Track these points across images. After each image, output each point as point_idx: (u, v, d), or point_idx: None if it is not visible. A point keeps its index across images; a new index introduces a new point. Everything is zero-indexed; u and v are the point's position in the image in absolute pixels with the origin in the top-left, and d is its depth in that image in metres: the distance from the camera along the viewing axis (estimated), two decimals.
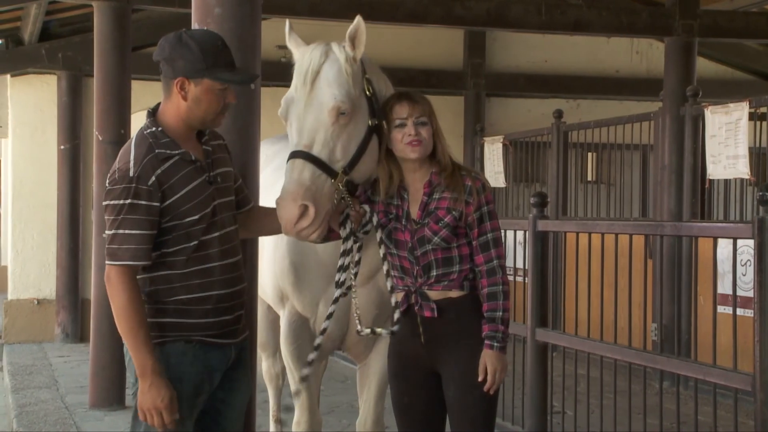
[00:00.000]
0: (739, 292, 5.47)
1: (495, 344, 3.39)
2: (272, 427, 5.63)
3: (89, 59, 8.32)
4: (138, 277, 3.19)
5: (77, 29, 10.73)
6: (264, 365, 5.64)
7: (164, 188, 3.12)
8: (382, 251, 3.54)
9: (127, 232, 3.09)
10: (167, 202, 3.13)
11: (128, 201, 3.08)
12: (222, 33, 3.80)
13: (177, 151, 3.17)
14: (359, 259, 3.55)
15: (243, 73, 3.35)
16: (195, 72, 3.15)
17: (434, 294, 3.44)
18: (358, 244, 3.53)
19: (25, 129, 11.10)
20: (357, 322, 3.61)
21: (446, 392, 3.48)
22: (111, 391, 7.29)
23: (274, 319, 5.56)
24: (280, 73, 11.70)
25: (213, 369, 3.27)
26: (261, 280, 4.41)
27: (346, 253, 3.52)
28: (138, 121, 4.13)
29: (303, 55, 3.48)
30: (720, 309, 5.54)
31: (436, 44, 11.68)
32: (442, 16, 8.79)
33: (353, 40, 3.48)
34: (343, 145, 3.41)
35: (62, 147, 10.67)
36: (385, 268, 3.54)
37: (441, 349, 3.46)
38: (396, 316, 3.52)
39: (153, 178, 3.11)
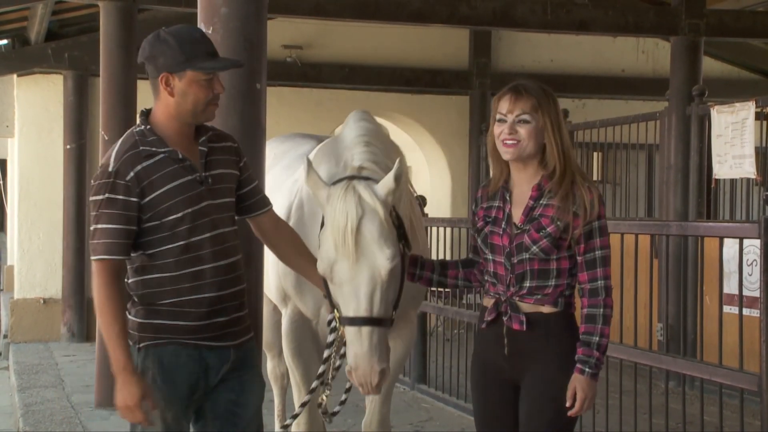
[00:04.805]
0: (746, 292, 5.47)
1: (587, 370, 3.17)
2: (277, 426, 5.63)
3: (95, 59, 8.34)
4: (131, 280, 3.21)
5: (83, 29, 10.75)
6: (269, 365, 5.64)
7: (144, 184, 3.11)
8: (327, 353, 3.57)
9: (104, 226, 3.10)
10: (147, 199, 3.12)
11: (105, 196, 3.09)
12: (228, 32, 3.81)
13: (163, 149, 3.16)
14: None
15: (225, 60, 3.29)
16: (176, 65, 3.13)
17: (525, 306, 3.22)
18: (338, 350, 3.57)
19: (31, 129, 11.11)
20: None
21: (521, 406, 3.27)
22: None
23: (279, 320, 5.56)
24: (286, 72, 11.77)
25: (209, 367, 3.23)
26: (266, 279, 4.40)
27: (329, 345, 3.56)
28: None
29: (335, 210, 3.24)
30: (726, 309, 5.52)
31: (442, 44, 11.67)
32: (447, 16, 8.78)
33: (398, 182, 3.28)
34: (392, 294, 3.33)
35: (68, 146, 10.68)
36: (330, 338, 3.56)
37: (523, 364, 3.25)
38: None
39: (131, 174, 3.10)
